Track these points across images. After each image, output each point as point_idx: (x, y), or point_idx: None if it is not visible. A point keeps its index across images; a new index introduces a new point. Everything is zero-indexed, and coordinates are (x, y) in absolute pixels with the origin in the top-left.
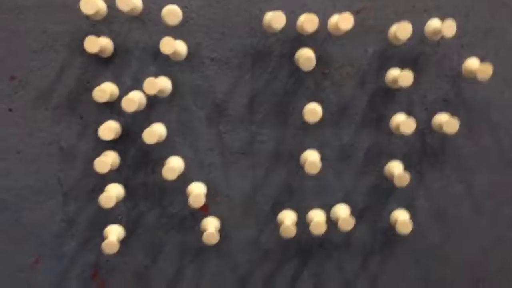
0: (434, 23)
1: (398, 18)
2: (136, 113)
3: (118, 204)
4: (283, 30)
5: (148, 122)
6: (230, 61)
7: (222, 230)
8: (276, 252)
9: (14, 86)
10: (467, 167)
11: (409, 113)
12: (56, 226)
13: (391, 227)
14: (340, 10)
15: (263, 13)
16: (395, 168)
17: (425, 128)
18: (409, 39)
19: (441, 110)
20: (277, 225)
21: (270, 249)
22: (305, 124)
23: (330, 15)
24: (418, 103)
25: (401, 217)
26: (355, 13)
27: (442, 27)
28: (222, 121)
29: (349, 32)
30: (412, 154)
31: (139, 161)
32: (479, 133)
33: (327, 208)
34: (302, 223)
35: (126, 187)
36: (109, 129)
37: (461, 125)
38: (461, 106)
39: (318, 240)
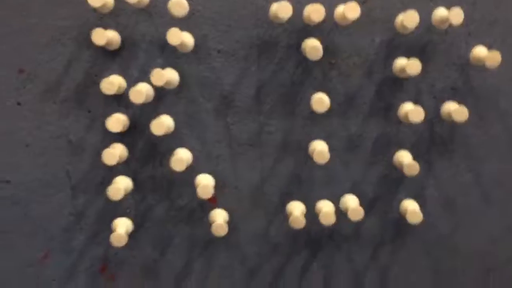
0: (441, 12)
1: (404, 8)
2: (143, 106)
3: (126, 197)
4: (290, 20)
5: (155, 114)
6: (237, 52)
7: (230, 222)
8: (285, 244)
9: (22, 80)
10: (476, 156)
11: (417, 102)
12: (64, 220)
13: (401, 217)
14: (346, 0)
15: (269, 4)
16: (404, 157)
17: (433, 117)
18: (416, 28)
19: (450, 98)
20: (286, 217)
21: (279, 241)
22: (312, 114)
23: (336, 5)
24: (426, 92)
25: (411, 207)
26: (362, 3)
27: (450, 15)
28: (229, 112)
29: (355, 22)
30: (421, 143)
31: (147, 154)
32: (488, 122)
33: (336, 199)
34: (311, 214)
35: (134, 180)
36: (117, 121)
37: (470, 114)
38: (469, 94)
39: (328, 231)
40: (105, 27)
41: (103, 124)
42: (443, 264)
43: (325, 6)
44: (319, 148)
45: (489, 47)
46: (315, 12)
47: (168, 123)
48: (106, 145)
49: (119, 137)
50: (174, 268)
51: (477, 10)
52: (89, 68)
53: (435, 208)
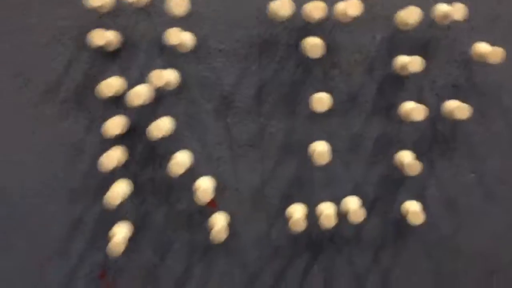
0: (443, 7)
1: (405, 4)
2: (143, 107)
3: (125, 201)
4: (290, 18)
5: (155, 116)
6: (237, 52)
7: (231, 226)
8: (286, 247)
9: (21, 81)
10: (478, 154)
11: (419, 99)
12: (63, 225)
13: (402, 218)
14: None
15: (269, 2)
16: (406, 157)
17: (435, 115)
18: (418, 24)
19: (452, 95)
20: (287, 219)
21: (280, 244)
22: (314, 114)
23: (335, 2)
24: (428, 89)
25: (412, 208)
26: (363, 0)
27: (452, 10)
28: (229, 113)
29: (357, 19)
30: (423, 142)
31: (146, 157)
32: (491, 118)
33: (337, 201)
34: (312, 216)
35: (134, 183)
36: (115, 124)
37: (472, 111)
38: (471, 91)
39: (329, 234)
40: (104, 27)
41: (101, 126)
42: (445, 266)
43: (326, 3)
44: (319, 149)
45: (492, 42)
46: (316, 9)
47: (168, 125)
48: (105, 147)
49: (118, 139)
50: (174, 273)
51: (479, 5)
52: (88, 69)
53: (437, 208)
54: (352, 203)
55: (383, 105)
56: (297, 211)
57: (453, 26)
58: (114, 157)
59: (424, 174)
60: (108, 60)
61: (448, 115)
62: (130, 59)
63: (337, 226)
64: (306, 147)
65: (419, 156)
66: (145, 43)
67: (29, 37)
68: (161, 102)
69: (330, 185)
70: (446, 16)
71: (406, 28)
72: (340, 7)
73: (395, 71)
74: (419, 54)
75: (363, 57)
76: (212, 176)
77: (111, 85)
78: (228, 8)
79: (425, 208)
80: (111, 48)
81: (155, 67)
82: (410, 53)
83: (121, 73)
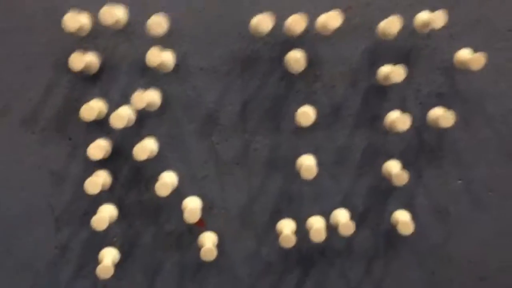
0: (422, 16)
1: (384, 15)
2: (125, 130)
3: (111, 225)
4: (271, 33)
5: (138, 138)
6: (219, 69)
7: (220, 245)
8: (277, 263)
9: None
10: (465, 162)
11: (403, 109)
12: (50, 254)
13: (392, 229)
14: (325, 11)
15: (249, 18)
16: (393, 167)
17: (420, 125)
18: (398, 34)
19: (436, 103)
20: (277, 235)
21: (271, 261)
22: (299, 128)
23: (315, 16)
24: (412, 98)
25: (402, 218)
26: (343, 11)
27: (431, 18)
28: (214, 131)
29: (337, 31)
30: (409, 151)
31: (131, 179)
32: (476, 126)
33: (327, 214)
34: (302, 231)
35: (119, 207)
36: (98, 148)
37: (457, 118)
38: (455, 99)
39: (319, 248)
40: (84, 50)
41: (85, 151)
42: (437, 275)
43: (306, 17)
44: (306, 164)
45: (473, 49)
46: (296, 23)
47: (151, 146)
48: (89, 173)
49: (102, 163)
50: None
51: (458, 12)
52: (69, 94)
53: (426, 217)
54: (342, 216)
55: (368, 116)
56: (286, 227)
57: (433, 34)
58: (98, 181)
59: (412, 183)
60: (88, 83)
61: (433, 124)
62: (111, 81)
63: (328, 239)
64: (293, 162)
65: (406, 166)
66: (125, 65)
67: (4, 65)
68: (144, 123)
69: (319, 198)
70: (426, 24)
71: (387, 38)
72: (320, 20)
73: (378, 82)
74: (402, 64)
75: (346, 69)
76: (198, 195)
77: (93, 108)
78: (208, 25)
79: (415, 217)
80: (91, 71)
81: (136, 89)
82: (392, 63)
83: (103, 96)
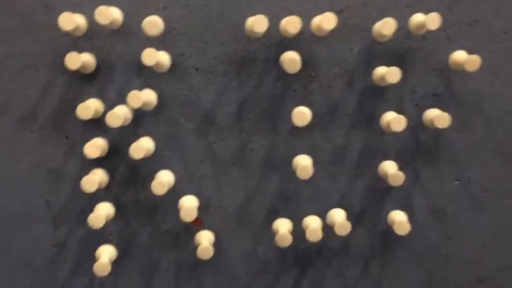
0: (418, 17)
1: (381, 15)
2: (122, 129)
3: (108, 223)
4: (267, 34)
5: (135, 137)
6: (215, 69)
7: (217, 243)
8: (274, 262)
9: None
10: (462, 162)
11: (399, 110)
12: (47, 251)
13: (389, 229)
14: (322, 11)
15: (245, 18)
16: (389, 167)
17: (416, 125)
18: (394, 35)
19: (432, 104)
20: (273, 234)
21: (267, 260)
22: (295, 128)
23: (312, 17)
24: (408, 99)
25: (398, 218)
26: (338, 13)
27: (426, 20)
28: (211, 131)
29: (333, 32)
30: (406, 152)
31: (128, 178)
32: (472, 126)
33: (324, 213)
34: (299, 230)
35: (116, 205)
36: (95, 147)
37: (453, 119)
38: (451, 100)
39: (316, 247)
40: (80, 50)
41: (82, 150)
42: (433, 275)
43: (302, 18)
44: (302, 164)
45: (469, 50)
46: (291, 24)
47: (148, 145)
48: (86, 171)
49: (98, 162)
50: None
51: (454, 14)
52: (65, 94)
53: (424, 217)
54: (338, 216)
55: (364, 117)
56: (282, 226)
57: (429, 35)
58: (95, 180)
59: (409, 183)
60: (84, 83)
61: (429, 124)
62: (107, 81)
63: (325, 239)
64: (289, 162)
65: (402, 166)
66: (121, 64)
67: (2, 64)
68: (140, 123)
69: (315, 198)
70: (421, 26)
71: (383, 40)
72: (315, 21)
73: (374, 82)
74: (397, 65)
75: (342, 70)
76: (195, 194)
77: (89, 107)
78: (204, 25)
79: (412, 217)
80: (87, 71)
81: (132, 88)
82: (388, 64)
83: (99, 95)
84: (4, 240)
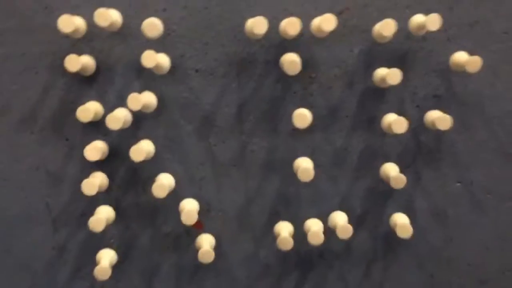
0: (418, 18)
1: (381, 16)
2: (122, 131)
3: (109, 227)
4: (267, 36)
5: (135, 140)
6: (215, 71)
7: (218, 247)
8: (276, 265)
9: None
10: (463, 164)
11: (400, 111)
12: (47, 254)
13: (391, 231)
14: (322, 13)
15: (245, 20)
16: (391, 170)
17: (417, 126)
18: (394, 36)
19: (433, 106)
20: (275, 237)
21: (269, 263)
22: (296, 130)
23: (312, 18)
24: (409, 100)
25: (400, 221)
26: (338, 14)
27: (426, 21)
28: (211, 133)
29: (332, 33)
30: (407, 153)
31: (128, 181)
32: (474, 127)
33: (325, 216)
34: (300, 233)
35: (117, 208)
36: (95, 150)
37: (454, 120)
38: (452, 101)
39: (318, 250)
40: (79, 52)
41: (82, 152)
42: (436, 278)
43: (301, 20)
44: (303, 166)
45: (469, 51)
46: (291, 26)
47: (148, 148)
48: (86, 174)
49: (99, 165)
50: None
51: (454, 15)
52: (65, 96)
53: (425, 220)
54: (340, 219)
55: (365, 118)
56: (284, 229)
57: (429, 36)
58: (95, 183)
59: (411, 186)
60: (84, 85)
61: (431, 126)
62: (107, 83)
63: (326, 242)
64: (290, 164)
65: (404, 168)
66: (121, 67)
67: (2, 66)
68: (140, 125)
69: (317, 200)
70: (421, 27)
71: (383, 41)
72: (315, 22)
73: (374, 84)
74: (398, 66)
75: (342, 71)
76: (195, 197)
77: (89, 110)
78: (204, 27)
79: (414, 220)
80: (87, 73)
81: (132, 91)
82: (388, 65)
83: (99, 97)
84: (4, 242)
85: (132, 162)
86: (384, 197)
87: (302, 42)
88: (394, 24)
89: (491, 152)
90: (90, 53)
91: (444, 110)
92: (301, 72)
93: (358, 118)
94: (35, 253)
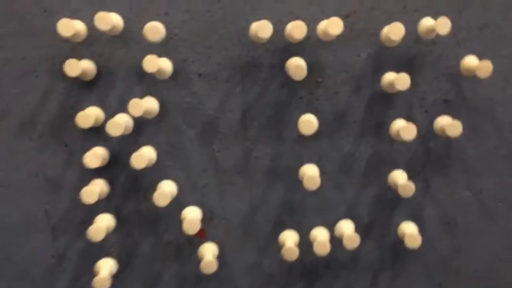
0: (427, 22)
1: (389, 20)
2: (123, 137)
3: (109, 235)
4: (272, 40)
5: (136, 146)
6: (219, 75)
7: (221, 255)
8: (280, 276)
9: None
10: (474, 171)
11: (409, 116)
12: (46, 262)
13: (399, 240)
14: (328, 16)
15: (249, 23)
16: (399, 177)
17: (427, 133)
18: (402, 39)
19: (442, 111)
20: (279, 247)
21: (273, 273)
22: (301, 136)
23: (318, 21)
24: (418, 106)
25: (409, 230)
26: (344, 18)
27: (436, 25)
28: (214, 139)
29: (339, 37)
30: (416, 160)
31: (129, 188)
32: (484, 134)
33: (331, 225)
34: (306, 242)
35: (117, 216)
36: (95, 157)
37: (464, 126)
38: (462, 106)
39: (324, 260)
40: (80, 56)
41: (81, 158)
42: (444, 287)
43: (307, 24)
44: (309, 174)
45: (479, 55)
46: (296, 29)
47: (150, 154)
48: (86, 181)
49: (99, 172)
50: None
51: (463, 18)
52: (65, 101)
53: (434, 228)
54: (346, 228)
55: (373, 124)
56: (289, 239)
57: (438, 40)
58: (95, 191)
59: (419, 193)
60: (84, 90)
61: (440, 132)
62: (108, 88)
63: (332, 251)
64: (295, 171)
65: (413, 175)
66: (122, 71)
67: (4, 70)
68: (142, 131)
69: (323, 209)
70: (430, 30)
71: (391, 45)
72: (321, 26)
73: (382, 89)
74: (406, 70)
75: (349, 76)
76: (198, 205)
77: (89, 116)
78: (207, 30)
79: (422, 228)
80: (87, 78)
81: (133, 96)
82: (396, 69)
83: (99, 102)
84: (2, 250)
85: (133, 169)
86: (392, 205)
87: (308, 46)
88: (402, 27)
89: (502, 159)
90: (91, 57)
91: (454, 116)
92: (307, 77)
93: (365, 123)
94: (34, 261)
